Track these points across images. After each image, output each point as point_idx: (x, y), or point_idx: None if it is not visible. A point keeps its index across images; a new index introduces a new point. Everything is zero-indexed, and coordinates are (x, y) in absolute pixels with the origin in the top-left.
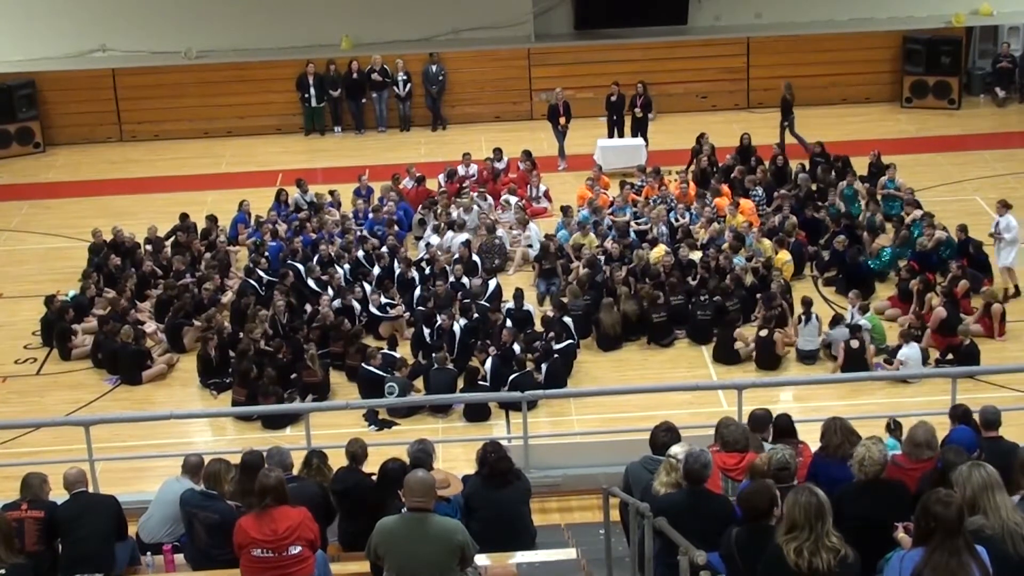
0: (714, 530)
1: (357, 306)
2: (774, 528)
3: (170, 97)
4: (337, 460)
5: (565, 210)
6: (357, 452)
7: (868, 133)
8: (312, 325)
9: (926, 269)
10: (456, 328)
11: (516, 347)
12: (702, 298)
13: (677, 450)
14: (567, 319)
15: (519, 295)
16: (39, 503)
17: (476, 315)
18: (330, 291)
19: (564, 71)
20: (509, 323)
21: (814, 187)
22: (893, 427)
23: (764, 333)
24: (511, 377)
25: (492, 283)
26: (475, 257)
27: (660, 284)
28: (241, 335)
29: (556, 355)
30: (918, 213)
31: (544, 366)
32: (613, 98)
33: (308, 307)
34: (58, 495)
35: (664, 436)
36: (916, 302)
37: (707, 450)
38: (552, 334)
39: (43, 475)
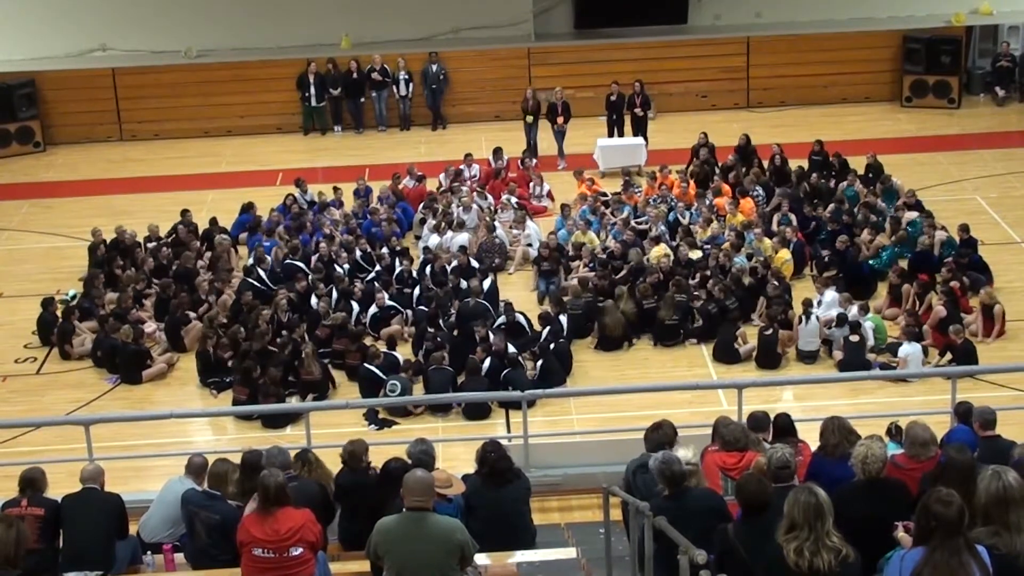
0: (707, 525)
1: (356, 306)
2: (772, 522)
3: (170, 96)
4: (337, 460)
5: (564, 208)
6: (358, 452)
7: (868, 132)
8: (324, 324)
9: (927, 269)
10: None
11: (511, 348)
12: (713, 298)
13: (682, 455)
14: (562, 317)
15: (509, 308)
16: (39, 500)
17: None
18: (334, 293)
19: (564, 71)
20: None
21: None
22: (895, 432)
23: (768, 331)
24: (504, 372)
25: (487, 282)
26: (473, 262)
27: (662, 284)
28: (243, 333)
29: (552, 352)
30: (912, 215)
31: (539, 363)
32: (613, 97)
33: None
34: (57, 493)
35: (656, 435)
36: (911, 302)
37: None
38: (547, 330)
39: (42, 470)
